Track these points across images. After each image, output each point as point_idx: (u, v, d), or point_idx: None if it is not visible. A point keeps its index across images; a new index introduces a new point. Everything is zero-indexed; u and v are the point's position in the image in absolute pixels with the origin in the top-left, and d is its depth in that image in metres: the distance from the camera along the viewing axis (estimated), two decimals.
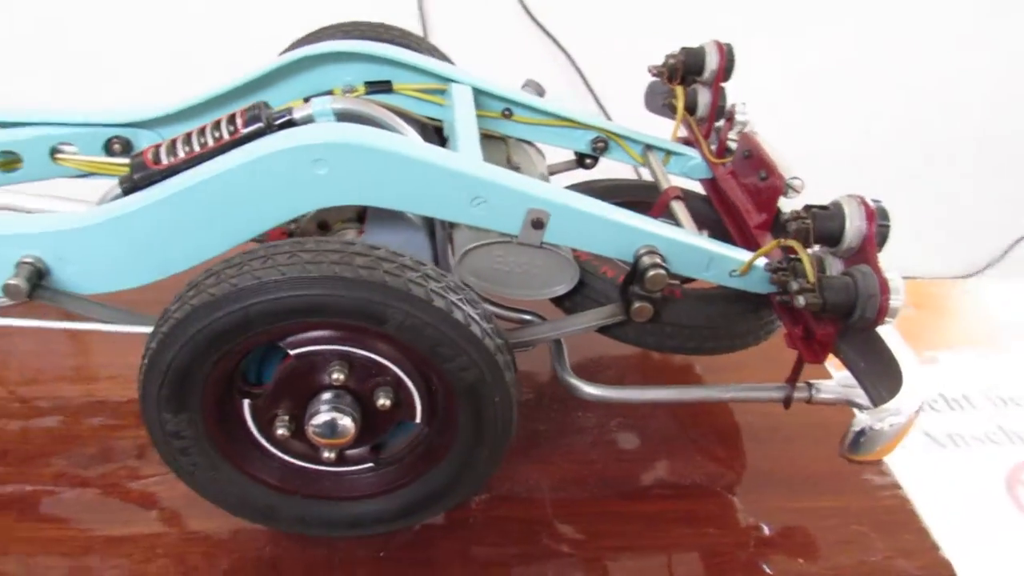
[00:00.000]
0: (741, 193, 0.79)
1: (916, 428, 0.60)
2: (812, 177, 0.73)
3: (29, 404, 0.80)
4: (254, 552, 0.66)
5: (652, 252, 0.65)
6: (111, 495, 0.70)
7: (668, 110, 0.88)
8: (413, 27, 1.45)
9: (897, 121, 1.66)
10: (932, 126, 1.68)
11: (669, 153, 0.87)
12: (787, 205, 0.73)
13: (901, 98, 1.64)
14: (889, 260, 0.59)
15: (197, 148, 0.66)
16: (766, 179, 0.75)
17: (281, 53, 0.87)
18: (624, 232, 0.66)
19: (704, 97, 0.87)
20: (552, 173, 0.87)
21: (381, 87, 0.82)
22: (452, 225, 0.69)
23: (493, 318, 0.59)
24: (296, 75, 0.81)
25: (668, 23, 1.48)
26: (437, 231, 0.73)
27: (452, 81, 0.81)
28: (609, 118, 1.53)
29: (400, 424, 0.64)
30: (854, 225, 0.60)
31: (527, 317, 0.74)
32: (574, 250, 0.69)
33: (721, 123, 0.86)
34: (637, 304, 0.67)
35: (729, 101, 0.85)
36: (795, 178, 0.72)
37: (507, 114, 0.83)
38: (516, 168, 0.77)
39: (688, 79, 0.88)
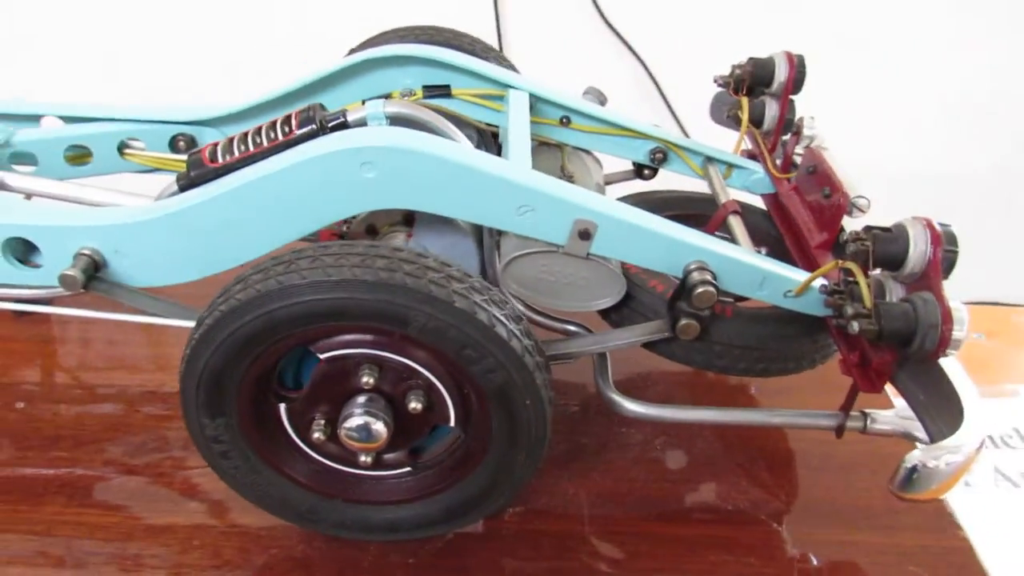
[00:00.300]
0: (803, 210, 0.76)
1: (982, 465, 0.56)
2: (879, 196, 0.69)
3: (88, 390, 0.83)
4: (287, 550, 0.67)
5: (702, 268, 0.63)
6: (156, 484, 0.72)
7: (733, 122, 0.86)
8: (488, 32, 1.46)
9: (973, 137, 1.58)
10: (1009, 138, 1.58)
11: (731, 166, 0.85)
12: (852, 225, 0.70)
13: (975, 114, 1.56)
14: (961, 286, 0.56)
15: (252, 148, 0.67)
16: (830, 197, 0.71)
17: (345, 55, 0.88)
18: (674, 246, 0.64)
19: (771, 109, 0.84)
20: (609, 183, 0.86)
21: (439, 91, 0.81)
22: (500, 232, 0.69)
23: (524, 320, 0.58)
24: (357, 78, 0.82)
25: (745, 34, 1.44)
26: (485, 238, 0.72)
27: (510, 87, 0.80)
28: (684, 131, 1.50)
29: (437, 428, 0.64)
30: (918, 249, 0.57)
31: (572, 328, 0.73)
32: (623, 262, 0.67)
33: (788, 137, 0.83)
34: (684, 321, 0.65)
35: (797, 114, 0.82)
36: (860, 197, 0.69)
37: (565, 122, 0.82)
38: (569, 177, 0.76)
39: (756, 90, 0.85)
